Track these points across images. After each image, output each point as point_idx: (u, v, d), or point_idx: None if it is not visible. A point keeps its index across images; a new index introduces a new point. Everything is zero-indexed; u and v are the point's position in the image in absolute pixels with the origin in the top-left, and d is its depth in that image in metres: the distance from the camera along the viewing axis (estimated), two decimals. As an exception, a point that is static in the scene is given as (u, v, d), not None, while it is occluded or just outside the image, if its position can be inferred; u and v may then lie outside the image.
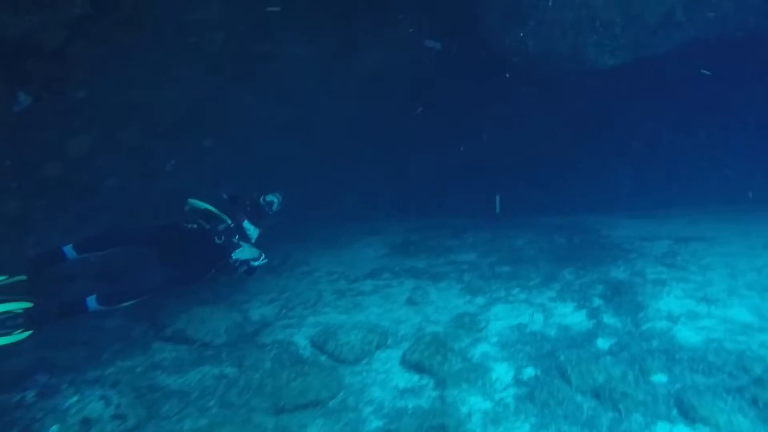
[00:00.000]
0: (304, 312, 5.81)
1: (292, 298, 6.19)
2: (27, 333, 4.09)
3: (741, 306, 4.81)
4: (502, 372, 4.21)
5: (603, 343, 4.41)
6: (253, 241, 5.64)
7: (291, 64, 8.25)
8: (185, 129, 7.65)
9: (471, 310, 5.43)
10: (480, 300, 5.71)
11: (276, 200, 6.04)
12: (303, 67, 8.43)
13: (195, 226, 5.31)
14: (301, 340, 5.09)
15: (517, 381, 4.06)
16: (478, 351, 4.55)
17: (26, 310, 4.11)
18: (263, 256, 5.66)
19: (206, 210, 5.41)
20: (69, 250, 4.81)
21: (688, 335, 4.33)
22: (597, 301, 5.27)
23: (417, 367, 4.37)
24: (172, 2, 6.15)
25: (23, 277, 4.56)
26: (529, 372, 4.14)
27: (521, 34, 6.53)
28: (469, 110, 9.92)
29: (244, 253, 5.46)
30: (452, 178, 11.14)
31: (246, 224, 5.61)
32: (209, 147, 8.26)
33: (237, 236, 5.49)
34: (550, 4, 6.18)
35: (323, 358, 4.75)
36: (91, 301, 4.42)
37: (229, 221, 5.43)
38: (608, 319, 4.85)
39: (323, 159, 10.06)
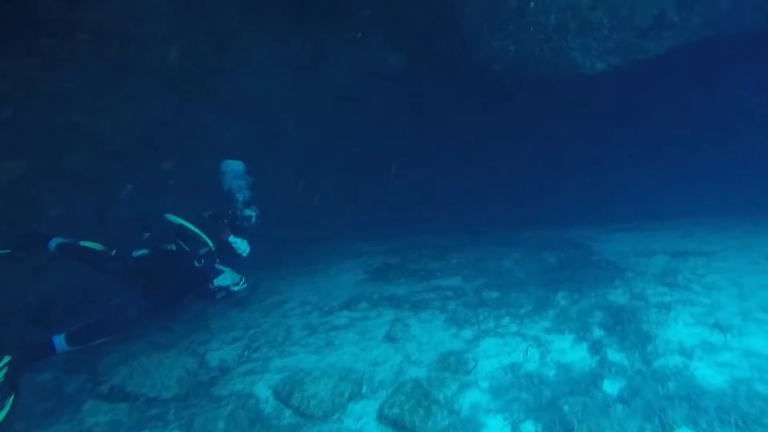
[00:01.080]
0: (270, 353, 5.05)
1: (257, 337, 5.41)
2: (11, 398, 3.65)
3: (760, 333, 4.16)
4: (496, 429, 3.48)
5: (611, 387, 3.72)
6: (245, 255, 5.31)
7: (256, 80, 7.56)
8: (141, 152, 6.88)
9: (457, 346, 4.71)
10: (467, 333, 4.99)
11: (254, 214, 5.68)
12: (269, 82, 7.74)
13: (173, 247, 4.92)
14: (263, 390, 4.31)
15: (515, 439, 3.34)
16: (466, 400, 3.83)
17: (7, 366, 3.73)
18: (243, 280, 5.24)
19: (184, 228, 4.99)
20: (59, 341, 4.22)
21: (708, 375, 3.66)
22: (598, 332, 4.59)
23: (396, 424, 3.64)
24: (114, 12, 5.41)
25: None
26: (529, 428, 3.42)
27: (500, 40, 5.92)
28: (448, 122, 9.30)
29: (225, 279, 5.07)
30: (434, 192, 10.50)
31: (232, 239, 5.25)
32: (169, 170, 7.48)
33: (218, 260, 5.08)
34: (531, 5, 5.61)
35: (287, 413, 3.98)
36: (59, 342, 4.07)
37: (211, 244, 4.99)
38: (613, 354, 4.17)
39: (295, 178, 9.35)
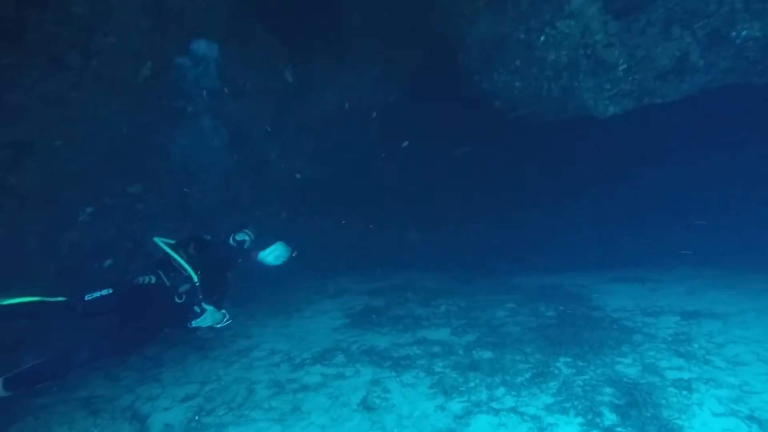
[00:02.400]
0: (226, 418, 4.20)
1: (214, 395, 4.57)
2: None
3: (806, 432, 3.41)
4: None
5: (634, 501, 2.93)
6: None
7: (239, 105, 6.86)
8: (104, 174, 6.10)
9: (444, 424, 3.90)
10: (455, 406, 4.18)
11: (247, 238, 5.25)
12: (254, 108, 7.05)
13: (152, 279, 4.44)
14: (208, 476, 3.46)
15: None
16: (455, 508, 3.01)
17: None
18: (226, 318, 4.87)
19: (169, 258, 4.55)
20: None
21: (755, 492, 2.89)
22: (609, 417, 3.81)
23: None
24: (75, 18, 4.69)
25: None
26: None
27: (504, 75, 5.28)
28: (441, 157, 8.65)
29: (205, 320, 4.63)
30: (420, 229, 9.77)
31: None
32: (137, 194, 6.69)
33: (202, 296, 4.61)
34: (541, 39, 4.99)
35: None
36: None
37: (195, 278, 4.54)
38: (632, 451, 3.38)
39: (278, 208, 8.59)
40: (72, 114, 5.25)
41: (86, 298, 4.21)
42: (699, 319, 5.60)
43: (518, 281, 7.83)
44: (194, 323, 4.59)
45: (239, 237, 5.20)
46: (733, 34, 4.59)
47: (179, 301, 4.46)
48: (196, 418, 4.18)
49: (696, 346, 4.90)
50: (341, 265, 9.36)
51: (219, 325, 4.83)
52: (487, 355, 5.06)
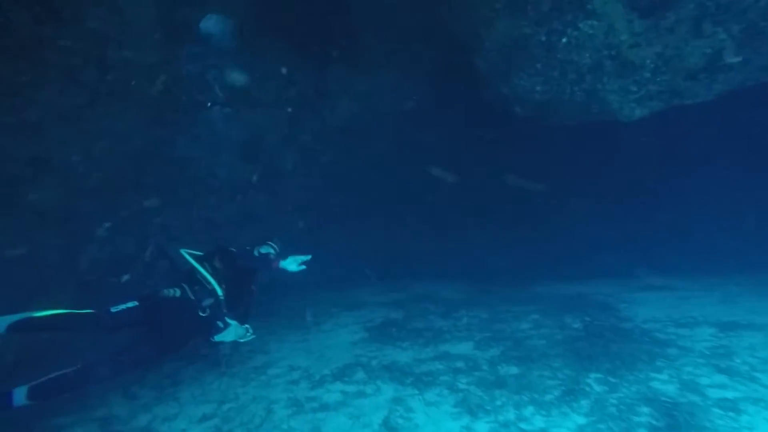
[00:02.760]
0: (244, 440, 4.03)
1: (231, 415, 4.41)
2: None
3: None
4: None
5: None
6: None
7: (253, 116, 6.77)
8: (120, 188, 6.04)
9: (471, 447, 3.68)
10: (482, 426, 3.96)
11: (272, 251, 5.18)
12: (269, 118, 6.95)
13: (177, 292, 4.43)
14: (225, 504, 3.30)
15: None
16: None
17: None
18: (250, 332, 4.85)
19: (194, 271, 4.57)
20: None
21: None
22: (649, 439, 3.55)
23: None
24: (90, 33, 4.63)
25: None
26: None
27: (524, 79, 5.05)
28: (460, 165, 8.45)
29: (228, 335, 4.60)
30: (439, 238, 9.55)
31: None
32: (155, 207, 6.62)
33: (226, 310, 4.60)
34: (563, 41, 4.76)
35: None
36: (19, 395, 3.59)
37: (220, 292, 4.55)
38: (676, 479, 3.12)
39: (295, 219, 8.46)
40: (88, 129, 5.20)
41: (113, 310, 4.25)
42: (737, 330, 5.29)
43: (541, 290, 7.56)
44: (217, 338, 4.56)
45: (264, 250, 5.14)
46: None
47: (203, 315, 4.44)
48: (214, 440, 4.02)
49: (738, 361, 4.59)
50: (362, 275, 9.20)
51: (242, 340, 4.80)
52: (513, 370, 4.83)
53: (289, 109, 7.11)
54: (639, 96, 4.97)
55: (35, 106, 4.60)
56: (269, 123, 6.99)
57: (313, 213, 8.68)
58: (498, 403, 4.26)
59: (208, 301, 4.48)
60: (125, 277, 6.64)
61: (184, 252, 4.69)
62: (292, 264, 4.95)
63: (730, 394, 3.98)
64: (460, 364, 5.08)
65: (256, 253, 5.09)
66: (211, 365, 5.42)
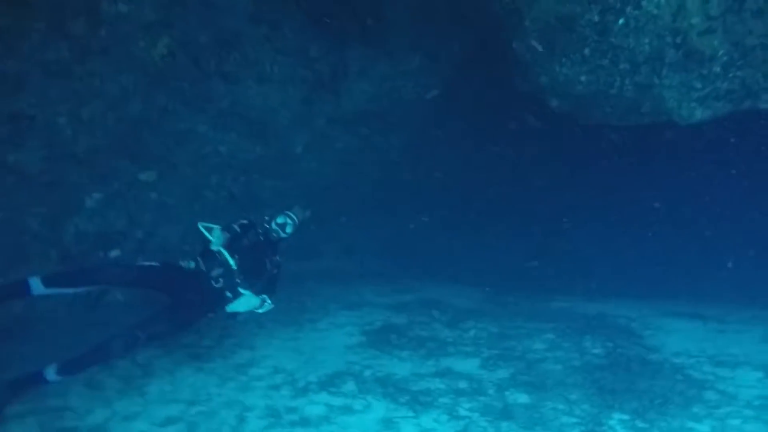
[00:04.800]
0: (207, 454, 3.43)
1: (198, 421, 3.82)
2: None
3: None
4: None
5: None
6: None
7: (263, 90, 6.14)
8: (114, 156, 5.48)
9: (468, 495, 3.01)
10: (483, 469, 3.29)
11: (290, 221, 5.01)
12: (279, 95, 6.31)
13: (191, 264, 4.47)
14: None
15: None
16: None
17: None
18: (268, 301, 4.77)
19: (207, 243, 4.54)
20: (35, 282, 3.88)
21: None
22: None
23: None
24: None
25: None
26: None
27: (567, 66, 4.28)
28: (482, 161, 7.71)
29: (240, 305, 4.54)
30: (457, 240, 8.84)
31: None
32: (151, 182, 6.05)
33: (240, 280, 4.53)
34: (620, 22, 3.98)
35: None
36: (50, 373, 3.64)
37: (231, 262, 4.49)
38: None
39: (303, 206, 7.84)
40: (77, 88, 4.64)
41: (138, 263, 4.40)
42: (787, 377, 4.50)
43: (558, 306, 6.82)
44: (229, 308, 4.51)
45: (280, 220, 4.96)
46: None
47: (216, 286, 4.40)
48: (172, 451, 3.42)
49: (793, 417, 3.82)
50: (367, 270, 8.56)
51: (260, 310, 4.73)
52: (523, 399, 4.14)
53: (304, 88, 6.46)
54: (703, 94, 4.14)
55: (16, 56, 4.05)
56: (281, 101, 6.37)
57: (323, 202, 8.05)
58: (503, 439, 3.58)
59: (217, 271, 4.41)
60: (114, 252, 6.12)
61: (199, 225, 4.65)
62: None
63: (788, 462, 3.24)
64: (463, 385, 4.41)
65: (273, 225, 4.96)
66: (189, 358, 4.83)
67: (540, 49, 4.49)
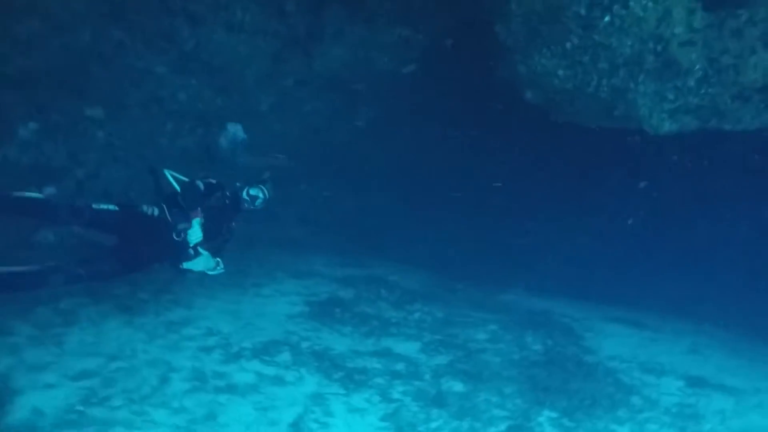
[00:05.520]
0: (118, 413, 3.22)
1: (117, 378, 3.57)
2: None
3: None
4: None
5: None
6: (192, 243, 4.43)
7: (231, 40, 5.73)
8: (56, 86, 4.99)
9: (388, 481, 2.93)
10: (408, 454, 3.22)
11: (261, 195, 4.97)
12: (249, 49, 5.92)
13: (155, 211, 4.33)
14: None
15: None
16: None
17: None
18: (221, 265, 4.79)
19: (175, 194, 4.39)
20: None
21: None
22: None
23: None
24: None
25: None
26: None
27: (548, 58, 4.12)
28: (449, 144, 7.56)
29: (197, 264, 4.50)
30: (414, 221, 8.72)
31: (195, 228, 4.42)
32: (98, 119, 5.59)
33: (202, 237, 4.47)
34: (606, 20, 3.84)
35: None
36: None
37: (200, 220, 4.44)
38: None
39: (263, 168, 7.51)
40: (17, 4, 4.12)
41: (93, 206, 4.10)
42: (706, 389, 4.67)
43: (506, 298, 6.84)
44: (185, 265, 4.43)
45: (253, 191, 4.94)
46: None
47: (177, 239, 4.30)
48: (80, 408, 3.17)
49: (707, 427, 3.95)
50: (323, 239, 8.34)
51: (211, 272, 4.71)
52: (458, 387, 4.10)
53: (275, 44, 6.08)
54: (674, 107, 4.08)
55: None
56: (249, 53, 5.97)
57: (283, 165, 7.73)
58: (433, 425, 3.53)
59: (183, 225, 4.31)
60: (48, 190, 5.65)
61: (168, 173, 4.48)
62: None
63: (698, 473, 3.32)
64: (400, 367, 4.33)
65: (245, 194, 4.91)
66: (119, 310, 4.53)
67: (522, 35, 4.34)
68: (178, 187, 4.44)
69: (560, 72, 4.34)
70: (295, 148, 7.45)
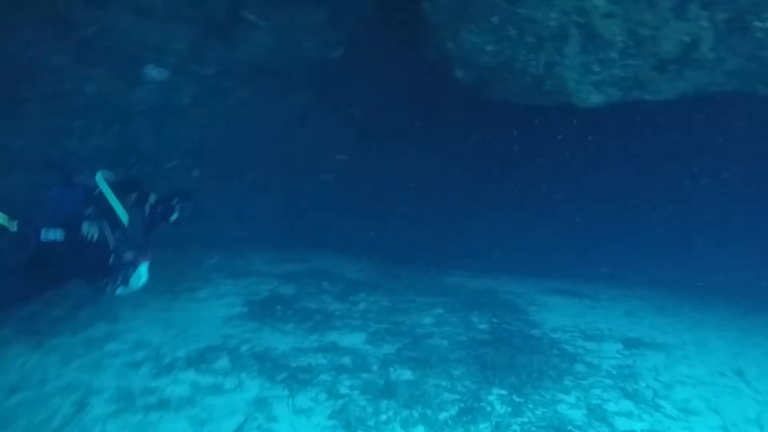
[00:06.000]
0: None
1: (19, 412, 3.14)
2: None
3: None
4: None
5: None
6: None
7: (142, 28, 5.24)
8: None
9: (338, 482, 2.77)
10: (358, 452, 3.06)
11: (176, 215, 4.26)
12: (163, 34, 5.44)
13: (94, 236, 3.65)
14: None
15: None
16: None
17: None
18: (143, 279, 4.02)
19: (110, 207, 3.78)
20: None
21: None
22: (554, 485, 2.83)
23: None
24: None
25: None
26: None
27: (475, 34, 4.03)
28: (384, 129, 7.40)
29: (137, 280, 3.90)
30: (350, 210, 8.53)
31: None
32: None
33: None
34: (531, -8, 3.78)
35: None
36: None
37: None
38: None
39: (190, 165, 7.03)
40: None
41: (42, 237, 3.47)
42: (641, 348, 4.85)
43: (450, 281, 6.84)
44: (118, 291, 3.89)
45: (166, 205, 4.27)
46: (757, 23, 3.67)
47: (112, 264, 3.81)
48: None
49: (643, 384, 4.10)
50: (259, 239, 7.97)
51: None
52: (407, 375, 3.98)
53: (192, 30, 5.63)
54: (600, 78, 4.15)
55: None
56: (163, 40, 5.49)
57: (213, 161, 7.28)
58: (383, 418, 3.39)
59: (129, 256, 3.86)
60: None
61: (101, 181, 3.80)
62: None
63: (637, 426, 3.44)
64: (346, 361, 4.16)
65: (159, 207, 4.26)
66: (26, 334, 4.03)
67: (449, 11, 4.23)
68: (116, 206, 3.84)
69: (488, 47, 4.28)
70: (223, 142, 7.05)
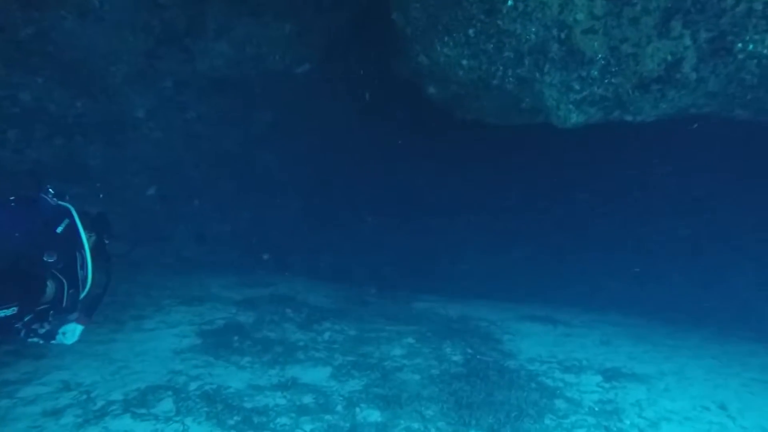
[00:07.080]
0: None
1: None
2: None
3: None
4: None
5: None
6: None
7: (89, 34, 4.80)
8: None
9: None
10: None
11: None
12: (115, 43, 5.01)
13: (52, 290, 3.18)
14: None
15: None
16: None
17: None
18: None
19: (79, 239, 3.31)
20: None
21: None
22: None
23: None
24: None
25: None
26: None
27: (449, 48, 3.79)
28: (352, 148, 7.09)
29: (74, 334, 3.51)
30: (318, 232, 8.12)
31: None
32: None
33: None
34: (509, 4, 3.55)
35: None
36: None
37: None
38: None
39: (145, 183, 6.52)
40: None
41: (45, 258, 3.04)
42: (621, 381, 4.59)
43: (420, 306, 6.49)
44: (57, 339, 3.44)
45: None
46: (739, 45, 3.58)
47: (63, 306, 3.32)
48: None
49: (628, 422, 3.83)
50: (219, 262, 7.45)
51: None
52: (375, 416, 3.58)
53: (147, 39, 5.22)
54: (581, 97, 3.95)
55: None
56: (113, 48, 5.05)
57: (169, 179, 6.78)
58: (347, 469, 2.96)
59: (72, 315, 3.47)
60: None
61: (76, 215, 3.32)
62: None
63: (630, 477, 3.10)
64: (308, 400, 3.72)
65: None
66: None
67: (422, 22, 3.98)
68: (87, 250, 3.38)
69: (464, 62, 4.02)
70: (180, 159, 6.58)
